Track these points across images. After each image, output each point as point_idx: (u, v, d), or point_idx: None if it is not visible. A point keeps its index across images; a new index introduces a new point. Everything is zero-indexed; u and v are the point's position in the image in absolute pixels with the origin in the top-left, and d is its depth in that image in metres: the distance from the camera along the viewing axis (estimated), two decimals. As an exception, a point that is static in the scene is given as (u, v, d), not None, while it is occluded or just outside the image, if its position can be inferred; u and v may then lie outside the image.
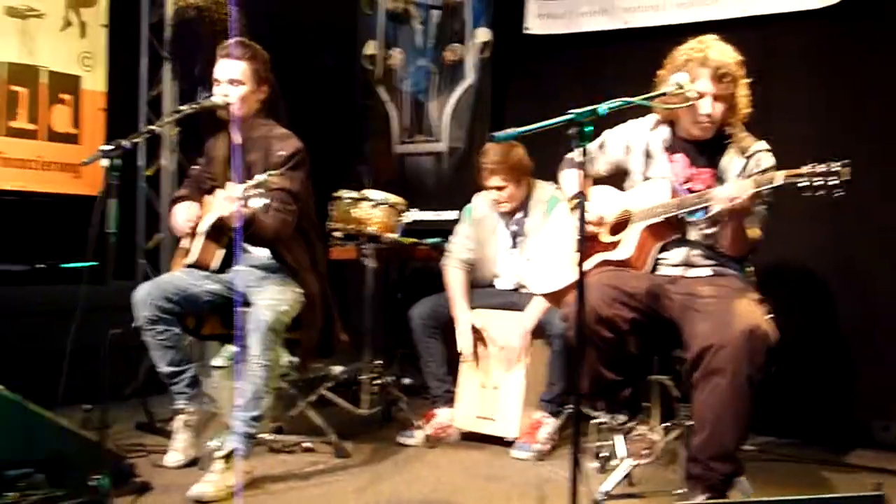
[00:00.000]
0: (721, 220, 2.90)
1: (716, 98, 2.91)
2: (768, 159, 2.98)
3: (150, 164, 5.65)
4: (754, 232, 2.93)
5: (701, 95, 2.89)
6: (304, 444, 3.78)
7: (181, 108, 3.40)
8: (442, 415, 4.10)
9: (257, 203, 3.11)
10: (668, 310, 2.91)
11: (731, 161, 2.99)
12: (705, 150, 3.04)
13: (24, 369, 3.56)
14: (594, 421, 3.59)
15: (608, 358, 2.91)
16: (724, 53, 2.93)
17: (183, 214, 3.56)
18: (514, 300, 4.05)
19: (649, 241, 3.03)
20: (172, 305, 3.42)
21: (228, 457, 3.15)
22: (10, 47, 4.98)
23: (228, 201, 3.27)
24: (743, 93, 2.97)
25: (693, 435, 2.79)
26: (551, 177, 3.75)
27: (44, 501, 2.79)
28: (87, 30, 5.33)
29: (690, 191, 2.99)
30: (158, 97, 5.62)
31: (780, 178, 2.63)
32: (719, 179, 2.98)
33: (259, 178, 3.10)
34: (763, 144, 3.01)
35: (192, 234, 3.57)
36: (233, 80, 3.45)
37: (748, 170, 2.96)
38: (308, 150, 3.50)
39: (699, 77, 2.90)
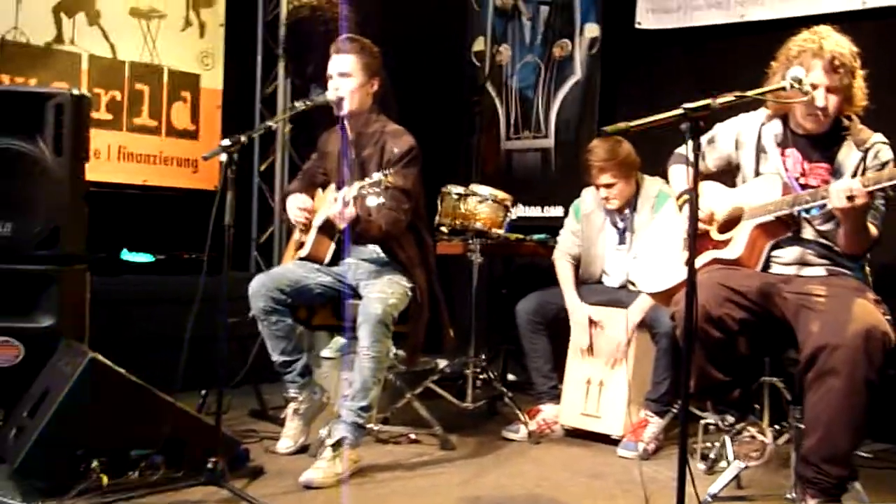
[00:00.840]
0: (838, 218, 2.81)
1: (830, 90, 2.82)
2: (887, 152, 2.87)
3: (263, 159, 5.83)
4: (873, 229, 2.83)
5: (815, 87, 2.81)
6: (411, 436, 3.85)
7: (295, 104, 3.49)
8: (547, 411, 4.10)
9: (373, 202, 3.18)
10: (780, 309, 2.84)
11: (847, 155, 2.89)
12: (820, 145, 2.94)
13: (146, 355, 3.73)
14: (702, 421, 3.55)
15: (717, 358, 2.86)
16: (839, 44, 2.84)
17: (296, 205, 3.66)
18: (621, 298, 4.01)
19: (761, 239, 2.95)
20: (285, 297, 3.51)
21: (337, 445, 3.23)
22: (134, 47, 5.24)
23: (335, 202, 3.36)
24: (859, 84, 2.87)
25: (805, 437, 2.71)
26: (659, 173, 3.70)
27: (162, 480, 2.93)
28: (206, 29, 5.54)
29: (805, 186, 2.91)
30: (273, 94, 5.80)
31: None
32: (835, 174, 2.88)
33: (375, 176, 3.16)
34: (881, 137, 2.90)
35: (306, 227, 3.67)
36: (343, 73, 3.52)
37: (866, 163, 2.86)
38: (419, 146, 3.55)
39: (813, 68, 2.81)
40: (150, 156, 5.33)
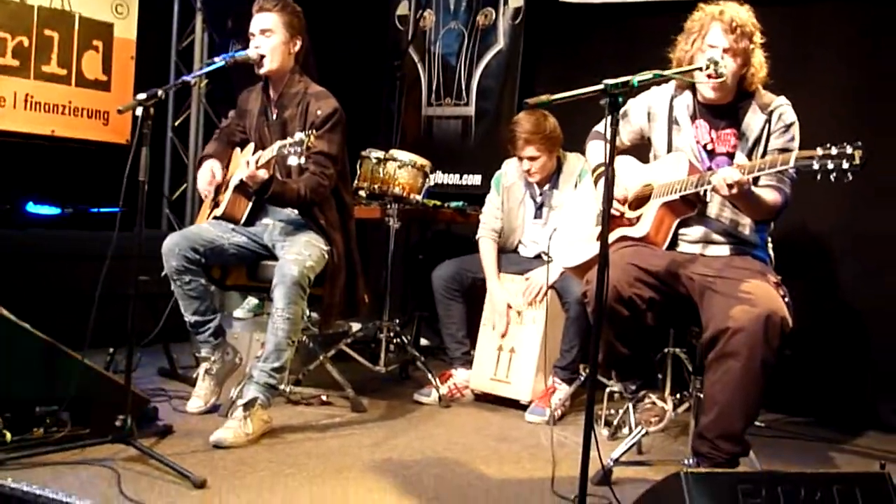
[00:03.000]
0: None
1: (727, 51, 2.91)
2: (790, 114, 2.96)
3: (178, 115, 5.70)
4: (774, 198, 2.92)
5: (712, 48, 2.90)
6: (322, 398, 3.87)
7: (215, 60, 3.42)
8: (458, 375, 4.17)
9: (294, 161, 3.15)
10: (686, 289, 2.92)
11: (753, 118, 2.98)
12: (726, 113, 3.02)
13: (52, 311, 3.64)
14: (607, 389, 3.66)
15: (624, 334, 2.93)
16: (738, 11, 2.94)
17: (205, 177, 3.64)
18: (535, 268, 4.08)
19: (667, 217, 3.02)
20: (199, 256, 3.47)
21: (248, 405, 3.22)
22: (45, -9, 5.02)
23: (246, 166, 3.33)
24: (759, 57, 2.96)
25: (702, 414, 2.83)
26: (578, 150, 3.76)
27: (68, 437, 2.89)
28: (121, -23, 5.36)
29: (713, 153, 3.00)
30: (189, 47, 5.66)
31: (791, 160, 2.61)
32: (741, 137, 2.98)
33: (298, 136, 3.13)
34: (783, 99, 2.99)
35: (218, 190, 3.63)
36: (264, 30, 3.48)
37: (771, 126, 2.95)
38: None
39: (712, 30, 2.91)
40: (60, 105, 5.15)
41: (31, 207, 4.82)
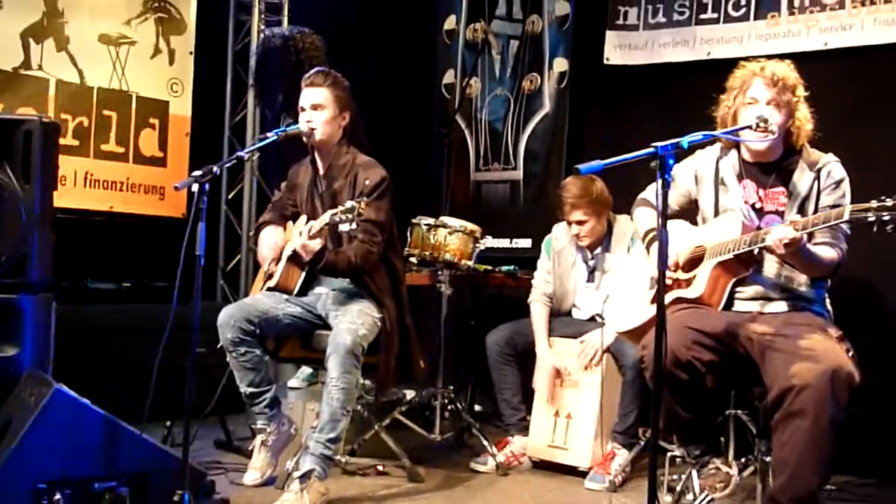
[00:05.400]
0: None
1: (770, 103, 2.89)
2: (839, 170, 2.94)
3: (231, 187, 5.81)
4: (830, 254, 2.87)
5: (755, 102, 2.89)
6: (378, 468, 3.83)
7: (268, 134, 3.49)
8: (515, 442, 4.10)
9: (345, 228, 3.19)
10: (746, 349, 2.87)
11: (801, 176, 2.95)
12: (773, 171, 3.00)
13: (111, 384, 3.68)
14: (669, 454, 3.57)
15: (684, 398, 2.88)
16: (779, 65, 2.93)
17: (269, 242, 3.67)
18: (589, 331, 4.03)
19: (722, 277, 2.98)
20: (254, 328, 3.50)
21: (305, 477, 3.20)
22: (103, 73, 5.20)
23: (300, 235, 3.37)
24: (804, 112, 2.94)
25: (773, 476, 2.74)
26: (626, 209, 3.74)
27: (127, 514, 2.89)
28: (176, 57, 5.52)
29: (761, 212, 2.97)
30: (242, 122, 5.78)
31: (845, 213, 2.58)
32: (791, 196, 2.94)
33: (350, 203, 3.17)
34: (832, 157, 2.97)
35: (273, 262, 3.67)
36: (315, 105, 3.55)
37: (820, 183, 2.91)
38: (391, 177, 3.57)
39: (753, 84, 2.91)
40: (118, 182, 5.28)
41: (91, 283, 4.91)
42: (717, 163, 3.11)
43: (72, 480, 2.86)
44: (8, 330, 3.36)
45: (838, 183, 2.91)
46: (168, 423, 3.88)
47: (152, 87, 5.42)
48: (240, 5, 5.78)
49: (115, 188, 5.27)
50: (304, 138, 3.57)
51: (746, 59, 3.08)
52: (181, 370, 2.92)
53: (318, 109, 3.55)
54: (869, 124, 4.17)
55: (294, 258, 3.55)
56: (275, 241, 3.68)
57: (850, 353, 2.72)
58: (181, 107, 5.55)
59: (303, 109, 3.58)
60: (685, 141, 2.46)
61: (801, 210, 2.91)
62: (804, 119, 2.95)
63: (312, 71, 3.69)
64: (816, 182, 2.92)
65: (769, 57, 3.09)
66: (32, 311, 3.41)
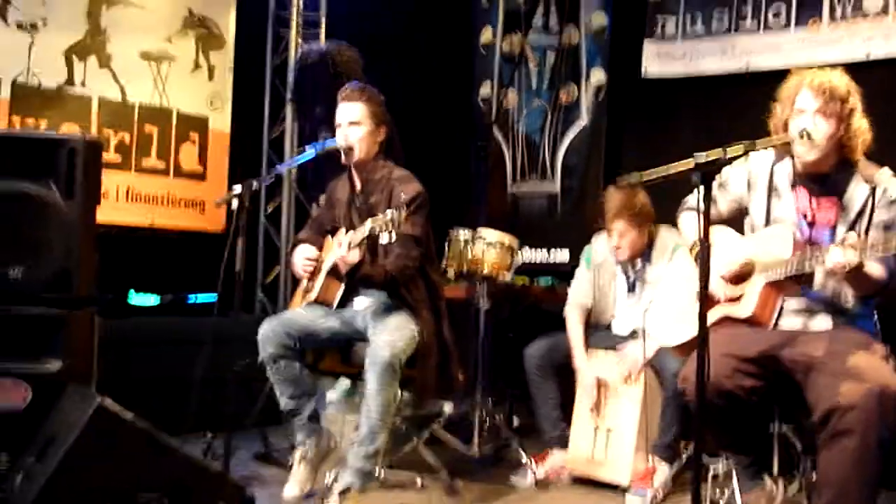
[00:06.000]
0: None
1: (818, 112, 2.84)
2: (895, 188, 2.89)
3: (270, 201, 5.86)
4: (879, 272, 2.80)
5: (802, 112, 2.84)
6: (417, 482, 3.82)
7: (306, 149, 3.52)
8: (554, 457, 4.07)
9: (385, 239, 3.19)
10: (789, 371, 2.81)
11: (855, 189, 2.88)
12: (827, 182, 2.93)
13: (152, 397, 3.71)
14: (711, 469, 3.52)
15: (727, 422, 2.84)
16: (830, 75, 2.87)
17: (301, 258, 3.69)
18: (629, 344, 4.00)
19: (773, 295, 2.89)
20: (294, 342, 3.51)
21: (344, 492, 3.20)
22: (144, 89, 5.28)
23: (339, 247, 3.38)
24: (859, 122, 2.88)
25: (818, 496, 2.68)
26: (667, 221, 3.70)
27: (170, 528, 2.92)
28: (215, 72, 5.60)
29: (813, 223, 2.91)
30: (280, 137, 5.84)
31: None
32: (843, 208, 2.89)
33: (389, 212, 3.17)
34: (888, 171, 2.89)
35: (312, 275, 3.69)
36: (352, 121, 3.57)
37: (875, 199, 2.85)
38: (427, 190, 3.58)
39: (801, 94, 2.86)
40: (158, 196, 5.35)
41: (132, 296, 4.97)
42: (772, 167, 3.05)
43: (113, 491, 2.88)
44: (52, 344, 3.41)
45: (894, 201, 2.85)
46: (209, 436, 3.90)
47: (192, 102, 5.50)
48: (278, 20, 5.85)
49: (155, 202, 5.34)
50: (342, 155, 3.58)
51: (791, 70, 3.03)
52: (222, 382, 2.94)
53: (354, 126, 3.56)
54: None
55: (334, 271, 3.57)
56: (308, 255, 3.68)
57: (897, 371, 2.66)
58: (220, 121, 5.62)
59: (339, 125, 3.60)
60: (726, 155, 2.42)
61: (854, 225, 2.85)
62: (859, 130, 2.88)
63: (348, 85, 3.70)
64: (871, 198, 2.85)
65: (810, 67, 3.04)
66: (76, 325, 3.46)
